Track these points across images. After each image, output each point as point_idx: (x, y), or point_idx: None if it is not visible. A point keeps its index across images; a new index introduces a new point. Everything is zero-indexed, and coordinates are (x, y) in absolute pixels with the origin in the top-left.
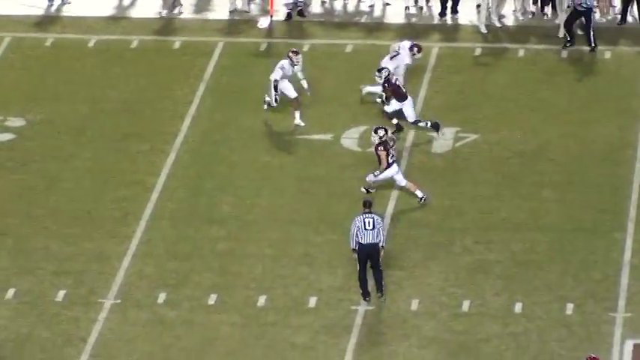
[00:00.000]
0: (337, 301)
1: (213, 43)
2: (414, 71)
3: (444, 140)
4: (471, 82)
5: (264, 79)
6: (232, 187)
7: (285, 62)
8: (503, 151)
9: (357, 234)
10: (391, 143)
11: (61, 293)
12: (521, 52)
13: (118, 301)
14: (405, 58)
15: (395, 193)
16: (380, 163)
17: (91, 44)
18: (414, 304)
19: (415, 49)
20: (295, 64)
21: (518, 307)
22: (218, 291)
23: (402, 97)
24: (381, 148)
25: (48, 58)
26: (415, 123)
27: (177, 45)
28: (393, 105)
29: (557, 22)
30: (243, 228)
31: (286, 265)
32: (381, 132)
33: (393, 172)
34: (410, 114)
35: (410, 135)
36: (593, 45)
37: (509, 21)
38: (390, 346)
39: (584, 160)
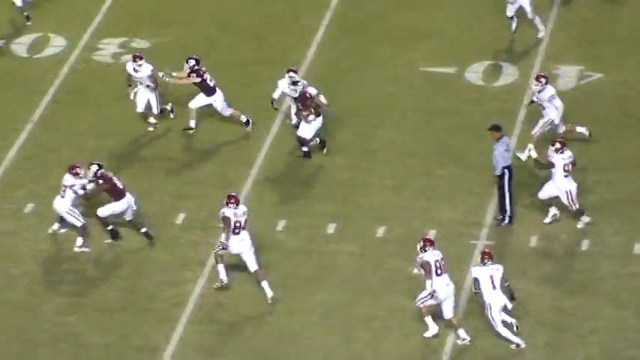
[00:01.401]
0: (456, 235)
1: None
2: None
3: (568, 78)
4: (597, 20)
5: (390, 11)
6: (355, 116)
7: (280, 81)
8: (628, 90)
9: (503, 156)
10: None
11: (181, 216)
12: None
13: None
14: None
15: (517, 129)
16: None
17: None
18: (533, 241)
19: None
20: (291, 84)
21: (637, 248)
22: (337, 220)
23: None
24: (193, 74)
25: None
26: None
27: None
28: (313, 125)
29: None
30: (365, 158)
31: (406, 196)
32: (192, 61)
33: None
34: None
35: (533, 72)
36: None
37: None
38: (508, 281)
39: None
